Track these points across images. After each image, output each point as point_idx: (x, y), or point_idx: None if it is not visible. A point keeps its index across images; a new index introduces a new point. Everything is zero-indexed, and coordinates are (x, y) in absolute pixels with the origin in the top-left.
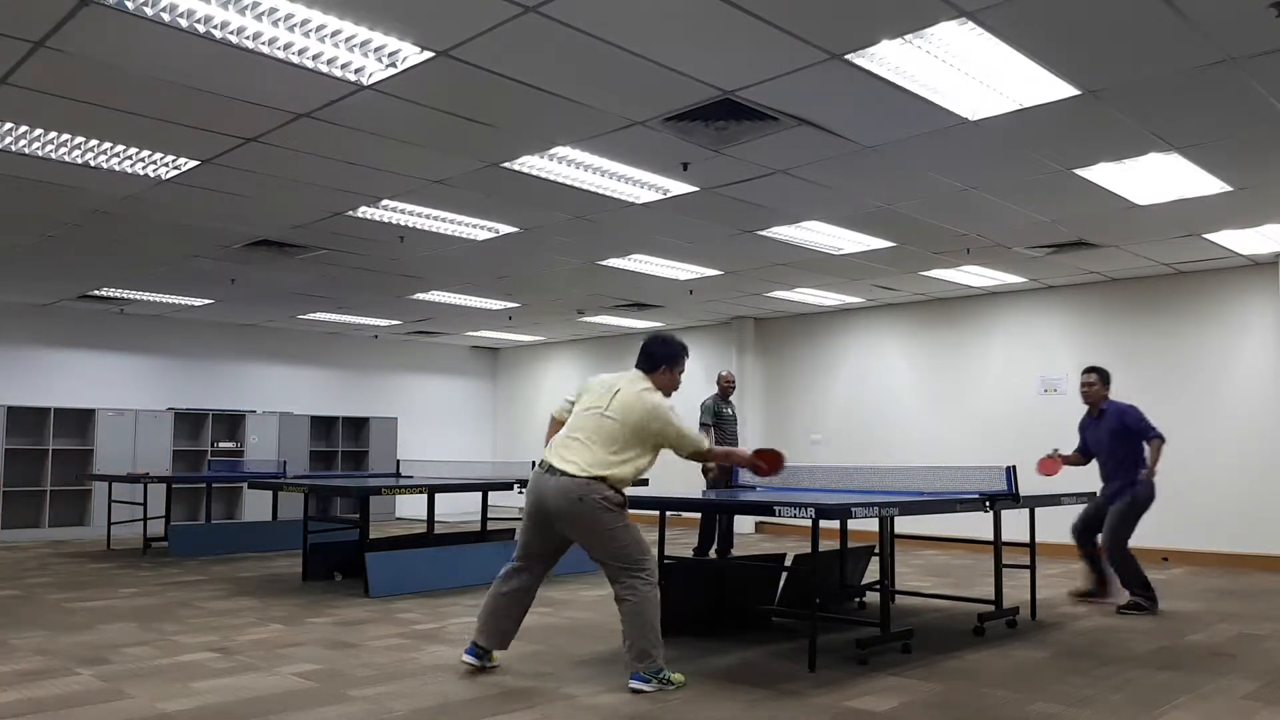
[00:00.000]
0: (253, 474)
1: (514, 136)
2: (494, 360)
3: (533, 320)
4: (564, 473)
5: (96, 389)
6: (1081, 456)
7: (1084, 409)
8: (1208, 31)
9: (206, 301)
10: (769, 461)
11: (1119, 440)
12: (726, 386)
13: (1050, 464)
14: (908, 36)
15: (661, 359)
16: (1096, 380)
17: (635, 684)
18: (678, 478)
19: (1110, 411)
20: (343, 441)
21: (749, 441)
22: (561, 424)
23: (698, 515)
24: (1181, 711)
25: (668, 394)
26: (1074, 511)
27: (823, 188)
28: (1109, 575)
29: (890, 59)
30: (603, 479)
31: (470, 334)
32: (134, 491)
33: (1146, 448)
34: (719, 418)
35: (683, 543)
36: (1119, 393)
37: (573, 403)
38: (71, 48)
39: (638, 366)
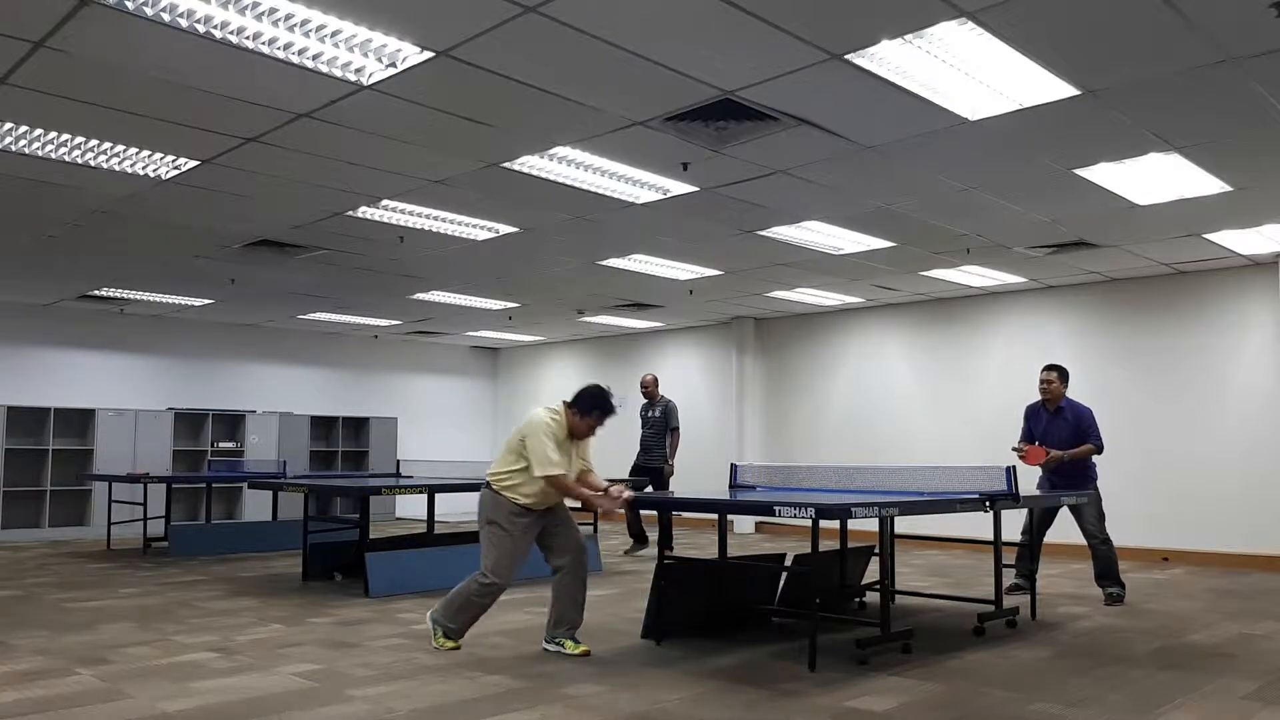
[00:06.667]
0: (253, 474)
1: (514, 136)
2: (494, 360)
3: (533, 320)
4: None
5: (96, 389)
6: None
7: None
8: (1208, 31)
9: (206, 301)
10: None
11: (1078, 438)
12: (644, 391)
13: (1039, 453)
14: (908, 36)
15: (578, 403)
16: (1056, 378)
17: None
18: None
19: (1069, 409)
20: (343, 441)
21: (746, 445)
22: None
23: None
24: (1181, 711)
25: (579, 434)
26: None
27: (823, 188)
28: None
29: (890, 59)
30: (495, 490)
31: (470, 334)
32: (134, 491)
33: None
34: (641, 421)
35: (683, 542)
36: (1121, 393)
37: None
38: (71, 48)
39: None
